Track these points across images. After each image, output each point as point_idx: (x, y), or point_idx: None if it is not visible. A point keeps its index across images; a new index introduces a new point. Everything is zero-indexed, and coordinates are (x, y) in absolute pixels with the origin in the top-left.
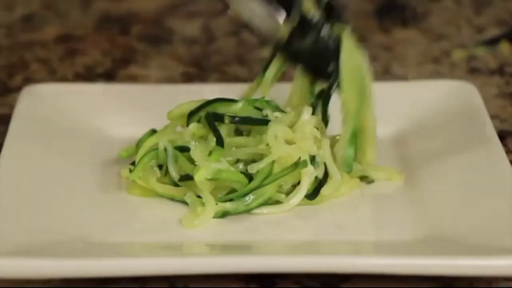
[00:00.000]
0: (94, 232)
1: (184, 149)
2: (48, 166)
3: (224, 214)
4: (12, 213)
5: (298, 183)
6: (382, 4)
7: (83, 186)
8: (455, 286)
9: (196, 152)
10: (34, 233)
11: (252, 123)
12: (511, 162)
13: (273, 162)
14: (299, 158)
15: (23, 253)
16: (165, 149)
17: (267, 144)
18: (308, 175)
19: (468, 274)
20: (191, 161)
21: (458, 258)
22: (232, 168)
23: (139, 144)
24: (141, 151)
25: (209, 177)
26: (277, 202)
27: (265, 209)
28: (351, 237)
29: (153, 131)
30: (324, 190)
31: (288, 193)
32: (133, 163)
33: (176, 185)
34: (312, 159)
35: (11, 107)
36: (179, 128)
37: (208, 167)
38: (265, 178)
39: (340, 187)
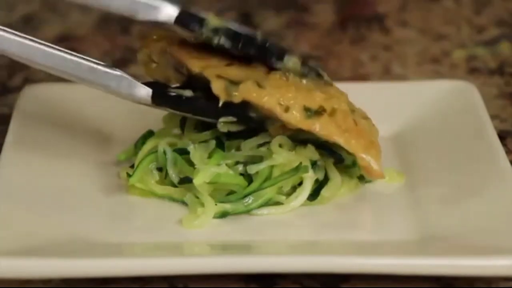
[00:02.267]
0: (94, 232)
1: (183, 152)
2: (48, 166)
3: (223, 215)
4: (12, 213)
5: (298, 184)
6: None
7: (83, 186)
8: (455, 286)
9: (196, 155)
10: (34, 233)
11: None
12: (511, 162)
13: (273, 165)
14: (300, 162)
15: (23, 253)
16: (164, 152)
17: (268, 148)
18: (310, 179)
19: (468, 274)
20: (191, 163)
21: (458, 258)
22: (231, 171)
23: (137, 145)
24: (140, 155)
25: (207, 180)
26: (278, 203)
27: (265, 210)
28: (351, 237)
29: (151, 132)
30: (325, 192)
31: (288, 194)
32: (132, 166)
33: (175, 186)
34: (314, 163)
35: (11, 107)
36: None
37: (207, 170)
38: (265, 181)
39: (340, 189)
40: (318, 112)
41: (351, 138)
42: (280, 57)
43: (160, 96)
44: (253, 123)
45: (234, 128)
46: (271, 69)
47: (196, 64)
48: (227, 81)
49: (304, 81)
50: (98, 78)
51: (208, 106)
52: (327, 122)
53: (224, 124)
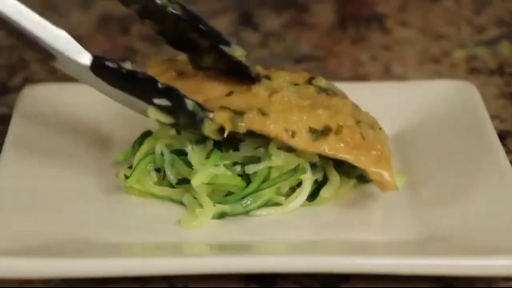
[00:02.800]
0: (94, 232)
1: (181, 153)
2: (48, 166)
3: (222, 215)
4: (12, 213)
5: (297, 185)
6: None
7: (83, 186)
8: (455, 286)
9: (194, 156)
10: (34, 233)
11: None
12: (511, 162)
13: (271, 167)
14: (298, 164)
15: (23, 253)
16: (162, 153)
17: (266, 149)
18: (309, 181)
19: (468, 274)
20: (189, 164)
21: (458, 258)
22: (229, 173)
23: (135, 145)
24: (138, 156)
25: (205, 181)
26: (277, 203)
27: (264, 211)
28: (351, 237)
29: (149, 133)
30: (324, 192)
31: (287, 195)
32: (130, 167)
33: (174, 187)
34: (313, 164)
35: (11, 107)
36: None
37: (205, 171)
38: (263, 182)
39: (340, 189)
40: (324, 132)
41: (360, 155)
42: (227, 43)
43: (100, 65)
44: (186, 116)
45: (164, 119)
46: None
47: (198, 99)
48: (232, 112)
49: (306, 101)
50: (45, 34)
51: (146, 83)
52: (334, 141)
53: (156, 110)
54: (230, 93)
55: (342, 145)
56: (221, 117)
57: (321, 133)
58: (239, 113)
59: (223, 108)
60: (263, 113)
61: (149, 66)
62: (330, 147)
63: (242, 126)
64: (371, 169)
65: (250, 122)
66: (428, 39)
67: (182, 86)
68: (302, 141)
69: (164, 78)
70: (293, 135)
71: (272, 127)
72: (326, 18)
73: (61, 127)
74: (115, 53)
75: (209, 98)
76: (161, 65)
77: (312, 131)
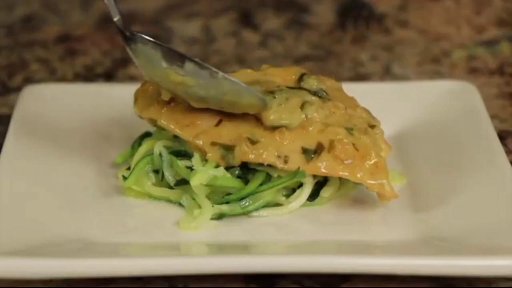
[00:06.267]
0: (94, 232)
1: (179, 154)
2: (48, 166)
3: (220, 216)
4: (12, 213)
5: (298, 186)
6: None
7: (82, 187)
8: (455, 286)
9: (196, 157)
10: (34, 233)
11: None
12: (511, 162)
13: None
14: (298, 167)
15: (23, 253)
16: (160, 154)
17: None
18: (309, 184)
19: (468, 274)
20: (187, 165)
21: (458, 258)
22: (228, 175)
23: (134, 146)
24: (136, 157)
25: (204, 183)
26: (277, 204)
27: (264, 212)
28: (351, 237)
29: (148, 134)
30: (324, 192)
31: (287, 195)
32: (129, 168)
33: (172, 188)
34: None
35: (11, 107)
36: None
37: (204, 173)
38: (261, 184)
39: (340, 189)
40: (317, 151)
41: (355, 171)
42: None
43: None
44: None
45: None
46: None
47: (189, 134)
48: (222, 149)
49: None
50: None
51: None
52: (328, 160)
53: None
54: (219, 122)
55: (336, 162)
56: (214, 158)
57: (314, 152)
58: (230, 148)
59: (213, 144)
60: (253, 141)
61: (137, 98)
62: (324, 166)
63: (236, 160)
64: (369, 182)
65: (242, 155)
66: (428, 39)
67: (172, 119)
68: (296, 165)
69: (152, 109)
70: (286, 160)
71: (265, 155)
72: (326, 18)
73: (61, 127)
74: (115, 53)
75: (199, 132)
76: (147, 93)
77: (304, 151)
